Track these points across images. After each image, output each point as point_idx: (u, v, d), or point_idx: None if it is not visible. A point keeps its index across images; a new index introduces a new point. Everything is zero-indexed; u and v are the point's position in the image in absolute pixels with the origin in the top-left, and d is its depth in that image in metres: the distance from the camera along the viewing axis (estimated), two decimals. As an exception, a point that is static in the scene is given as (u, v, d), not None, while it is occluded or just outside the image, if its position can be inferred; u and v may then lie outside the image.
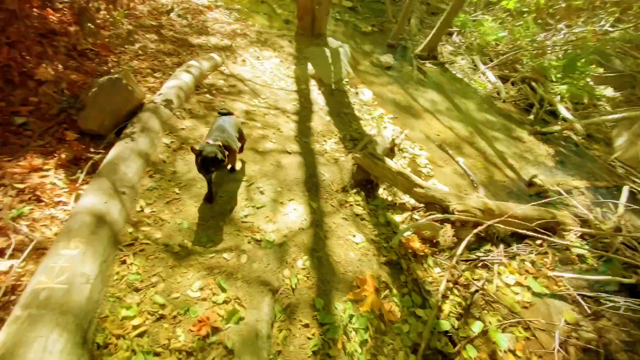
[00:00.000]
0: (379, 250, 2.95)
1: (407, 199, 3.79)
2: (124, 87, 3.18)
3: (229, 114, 2.93)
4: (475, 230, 3.23)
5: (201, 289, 2.10)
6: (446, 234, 3.33)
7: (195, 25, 6.80)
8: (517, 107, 7.06)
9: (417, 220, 3.43)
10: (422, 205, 3.66)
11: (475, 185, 4.45)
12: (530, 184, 4.77)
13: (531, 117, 6.73)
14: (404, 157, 4.59)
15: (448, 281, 2.92)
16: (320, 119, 4.55)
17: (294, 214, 2.86)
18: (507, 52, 7.99)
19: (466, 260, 3.21)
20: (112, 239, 2.14)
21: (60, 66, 3.62)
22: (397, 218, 3.45)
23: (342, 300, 2.44)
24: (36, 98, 3.21)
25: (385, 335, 2.35)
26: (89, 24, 3.91)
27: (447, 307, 2.73)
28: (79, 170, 2.82)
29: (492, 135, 5.81)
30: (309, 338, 2.16)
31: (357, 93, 5.78)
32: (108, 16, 4.59)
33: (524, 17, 8.08)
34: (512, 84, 7.54)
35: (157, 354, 1.76)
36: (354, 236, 2.95)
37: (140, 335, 1.81)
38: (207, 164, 2.31)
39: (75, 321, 1.66)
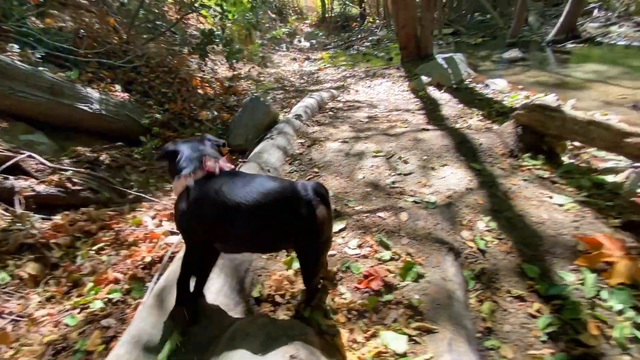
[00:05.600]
0: (601, 211, 1.95)
1: (613, 163, 2.64)
2: (263, 103, 3.51)
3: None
4: None
5: (359, 246, 1.67)
6: None
7: (310, 81, 7.67)
8: None
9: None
10: (645, 163, 2.45)
11: None
12: None
13: None
14: (582, 126, 3.43)
15: None
16: (452, 108, 3.99)
17: (452, 177, 2.26)
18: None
19: None
20: (261, 204, 2.03)
21: (215, 112, 4.38)
22: (611, 178, 2.36)
23: (567, 267, 1.57)
24: (199, 133, 3.86)
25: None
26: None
27: None
28: (230, 174, 3.05)
29: None
30: (532, 316, 1.37)
31: (486, 85, 5.02)
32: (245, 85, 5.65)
33: None
34: None
35: (325, 315, 1.35)
36: (550, 197, 2.08)
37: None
38: None
39: (231, 266, 1.47)
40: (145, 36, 5.38)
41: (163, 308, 1.20)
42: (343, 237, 1.75)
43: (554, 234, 1.77)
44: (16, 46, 3.06)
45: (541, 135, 2.77)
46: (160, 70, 4.39)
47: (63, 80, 3.21)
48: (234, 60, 4.47)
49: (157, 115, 3.76)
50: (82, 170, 2.73)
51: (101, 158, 3.08)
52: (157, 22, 6.43)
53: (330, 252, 1.65)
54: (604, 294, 1.43)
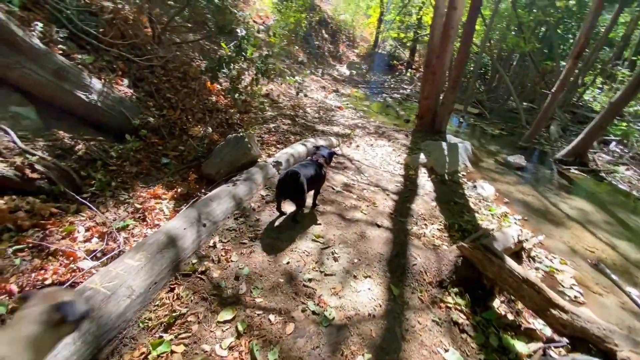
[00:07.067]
0: (484, 385, 1.96)
1: (538, 325, 2.65)
2: (245, 144, 3.64)
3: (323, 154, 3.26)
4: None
5: (231, 348, 1.72)
6: (613, 400, 2.03)
7: (324, 118, 7.85)
8: None
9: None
10: (563, 339, 2.46)
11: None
12: None
13: None
14: (536, 269, 3.44)
15: None
16: (425, 203, 4.04)
17: (367, 294, 2.30)
18: None
19: None
20: (174, 263, 2.10)
21: (210, 129, 4.53)
22: (520, 347, 2.36)
23: None
24: (183, 147, 4.01)
25: None
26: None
27: None
28: (185, 203, 3.15)
29: (694, 269, 3.89)
30: None
31: (474, 187, 5.08)
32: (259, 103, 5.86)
33: None
34: None
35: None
36: (445, 350, 2.10)
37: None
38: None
39: (96, 333, 1.53)
40: (179, 38, 5.67)
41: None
42: (223, 331, 1.81)
43: (421, 397, 1.79)
44: (40, 25, 3.28)
45: (480, 274, 2.81)
46: (175, 76, 4.59)
47: (72, 66, 3.41)
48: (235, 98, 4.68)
49: (151, 119, 3.92)
50: (48, 158, 2.87)
51: (77, 148, 3.23)
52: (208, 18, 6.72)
53: (202, 345, 1.71)
54: None
